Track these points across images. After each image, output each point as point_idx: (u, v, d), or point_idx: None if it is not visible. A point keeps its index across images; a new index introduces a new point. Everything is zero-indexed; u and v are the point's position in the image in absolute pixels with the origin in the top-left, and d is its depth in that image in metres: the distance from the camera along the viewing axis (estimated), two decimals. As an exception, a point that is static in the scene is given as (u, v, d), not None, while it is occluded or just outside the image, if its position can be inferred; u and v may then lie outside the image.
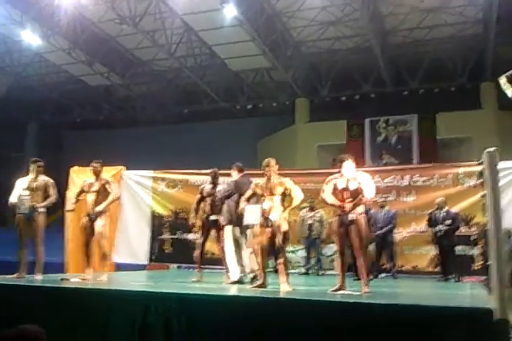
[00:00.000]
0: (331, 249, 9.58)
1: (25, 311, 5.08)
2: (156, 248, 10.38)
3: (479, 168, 8.59)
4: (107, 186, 6.75)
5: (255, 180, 6.44)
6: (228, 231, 6.81)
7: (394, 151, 17.84)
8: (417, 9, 15.03)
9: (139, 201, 10.37)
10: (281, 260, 5.68)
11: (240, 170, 7.10)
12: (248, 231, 6.51)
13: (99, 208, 6.62)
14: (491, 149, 4.15)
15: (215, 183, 7.37)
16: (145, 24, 15.14)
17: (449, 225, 8.46)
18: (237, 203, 6.47)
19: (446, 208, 8.58)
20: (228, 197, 6.87)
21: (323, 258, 9.50)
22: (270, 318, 4.46)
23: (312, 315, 4.37)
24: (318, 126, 18.50)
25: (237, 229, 6.70)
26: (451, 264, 8.52)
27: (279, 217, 5.69)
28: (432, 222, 8.63)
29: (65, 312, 5.01)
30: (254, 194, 5.96)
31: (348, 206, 5.42)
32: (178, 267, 10.80)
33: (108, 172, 8.52)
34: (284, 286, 5.57)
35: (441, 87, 17.70)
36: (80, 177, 10.07)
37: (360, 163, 16.23)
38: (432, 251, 8.89)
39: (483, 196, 8.38)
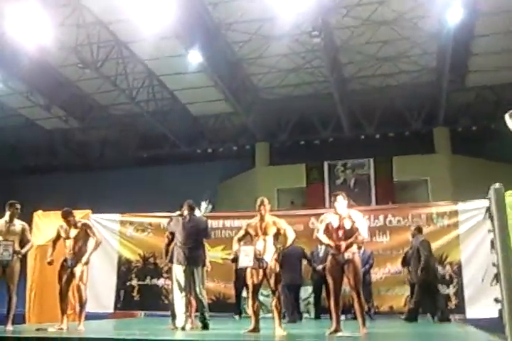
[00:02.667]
0: (307, 291, 9.47)
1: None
2: (122, 295, 9.97)
3: (451, 208, 8.96)
4: (88, 231, 6.49)
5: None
6: (174, 272, 6.51)
7: (352, 194, 18.08)
8: (374, 58, 15.68)
9: (106, 246, 9.93)
10: (275, 303, 5.53)
11: (190, 208, 6.83)
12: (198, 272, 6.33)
13: (86, 257, 6.34)
14: (497, 185, 4.21)
15: None
16: (106, 69, 15.12)
17: None
18: (182, 241, 6.40)
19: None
20: (172, 238, 6.76)
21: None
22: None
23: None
24: (277, 169, 18.70)
25: (180, 269, 6.42)
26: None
27: (272, 258, 5.58)
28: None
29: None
30: (246, 234, 5.84)
31: (343, 245, 5.40)
32: (146, 315, 10.40)
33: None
34: (279, 330, 5.39)
35: (396, 131, 18.29)
36: (43, 221, 9.73)
37: (320, 205, 16.79)
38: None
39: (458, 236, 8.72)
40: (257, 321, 5.60)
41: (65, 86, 16.94)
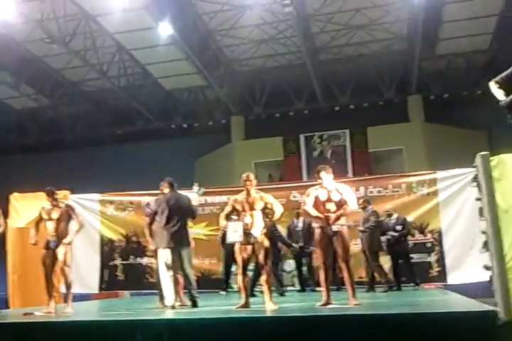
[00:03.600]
0: (290, 264, 9.55)
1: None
2: (106, 275, 9.92)
3: (430, 177, 9.07)
4: (71, 212, 6.35)
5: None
6: (160, 254, 6.36)
7: (329, 165, 17.93)
8: (346, 26, 15.55)
9: (87, 226, 9.73)
10: (265, 278, 5.53)
11: (171, 185, 6.64)
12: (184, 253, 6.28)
13: (69, 239, 6.21)
14: (484, 153, 4.23)
15: None
16: (75, 43, 14.69)
17: (399, 231, 8.61)
18: (166, 222, 6.24)
19: (396, 215, 8.76)
20: (153, 217, 6.50)
21: (283, 274, 9.35)
22: (264, 338, 4.32)
23: (308, 332, 4.27)
24: (254, 143, 18.63)
25: (168, 252, 6.28)
26: (407, 271, 8.66)
27: (261, 232, 5.56)
28: (383, 230, 8.72)
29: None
30: (233, 209, 5.77)
31: (332, 217, 5.40)
32: (131, 294, 10.39)
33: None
34: (270, 305, 5.41)
35: (370, 101, 18.29)
36: (21, 204, 9.54)
37: (297, 178, 16.83)
38: (388, 261, 9.02)
39: (437, 203, 8.84)
40: (247, 297, 5.62)
41: (32, 62, 16.45)
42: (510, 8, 14.56)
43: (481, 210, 4.25)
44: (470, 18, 14.83)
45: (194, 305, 6.21)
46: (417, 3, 13.46)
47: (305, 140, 18.48)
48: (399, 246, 8.66)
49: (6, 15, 12.93)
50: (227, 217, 5.81)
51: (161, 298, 6.45)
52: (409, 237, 8.85)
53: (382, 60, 17.05)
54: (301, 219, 9.09)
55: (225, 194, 9.65)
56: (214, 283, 9.34)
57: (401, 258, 8.75)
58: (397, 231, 8.68)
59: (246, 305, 5.54)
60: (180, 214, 6.38)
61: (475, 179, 4.36)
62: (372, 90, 17.91)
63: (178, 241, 6.29)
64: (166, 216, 6.32)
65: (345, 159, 18.15)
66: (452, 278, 8.57)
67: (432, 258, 8.83)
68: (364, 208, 8.50)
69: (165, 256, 6.28)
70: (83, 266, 9.48)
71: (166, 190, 6.63)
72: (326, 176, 5.62)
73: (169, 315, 5.43)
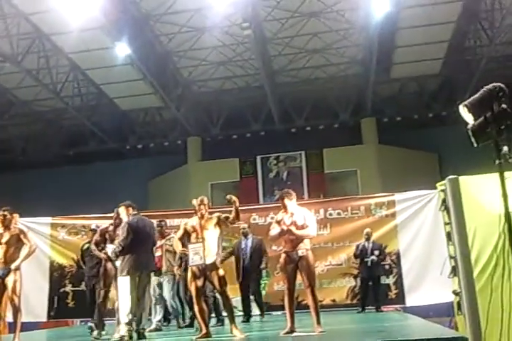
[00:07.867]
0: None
1: None
2: (55, 302, 9.48)
3: (389, 199, 9.14)
4: (21, 236, 6.01)
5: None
6: (125, 281, 5.97)
7: (285, 187, 18.13)
8: (303, 50, 15.75)
9: (36, 251, 9.40)
10: (227, 305, 5.33)
11: (133, 208, 6.31)
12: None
13: (16, 264, 5.86)
14: (453, 176, 4.22)
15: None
16: (28, 62, 14.30)
17: (377, 255, 8.59)
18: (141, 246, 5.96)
19: (372, 239, 8.74)
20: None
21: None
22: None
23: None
24: (210, 164, 18.46)
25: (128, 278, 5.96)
26: (374, 294, 8.61)
27: (216, 257, 5.36)
28: (361, 253, 8.69)
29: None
30: (185, 233, 5.54)
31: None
32: (82, 322, 9.94)
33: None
34: (236, 332, 5.21)
35: (326, 123, 18.48)
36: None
37: (253, 199, 16.73)
38: (349, 283, 8.99)
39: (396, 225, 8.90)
40: (206, 326, 5.38)
41: (-19, 81, 15.89)
42: (460, 34, 15.12)
43: (448, 235, 4.22)
44: (422, 44, 15.26)
45: (139, 337, 5.83)
46: (372, 29, 13.76)
47: (261, 161, 18.45)
48: (375, 271, 8.61)
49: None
50: (181, 241, 5.61)
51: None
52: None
53: (338, 83, 17.31)
54: (250, 238, 8.24)
55: (183, 217, 9.45)
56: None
57: (372, 282, 8.68)
58: (375, 255, 8.61)
59: (206, 334, 5.31)
60: (149, 238, 6.14)
61: (443, 203, 4.34)
62: (328, 113, 18.12)
63: (148, 266, 6.07)
64: (141, 240, 5.96)
65: (301, 180, 18.19)
66: (411, 300, 8.58)
67: (391, 280, 8.85)
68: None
69: (129, 283, 5.93)
70: (31, 294, 8.98)
71: (123, 214, 6.29)
72: (290, 202, 5.51)
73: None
